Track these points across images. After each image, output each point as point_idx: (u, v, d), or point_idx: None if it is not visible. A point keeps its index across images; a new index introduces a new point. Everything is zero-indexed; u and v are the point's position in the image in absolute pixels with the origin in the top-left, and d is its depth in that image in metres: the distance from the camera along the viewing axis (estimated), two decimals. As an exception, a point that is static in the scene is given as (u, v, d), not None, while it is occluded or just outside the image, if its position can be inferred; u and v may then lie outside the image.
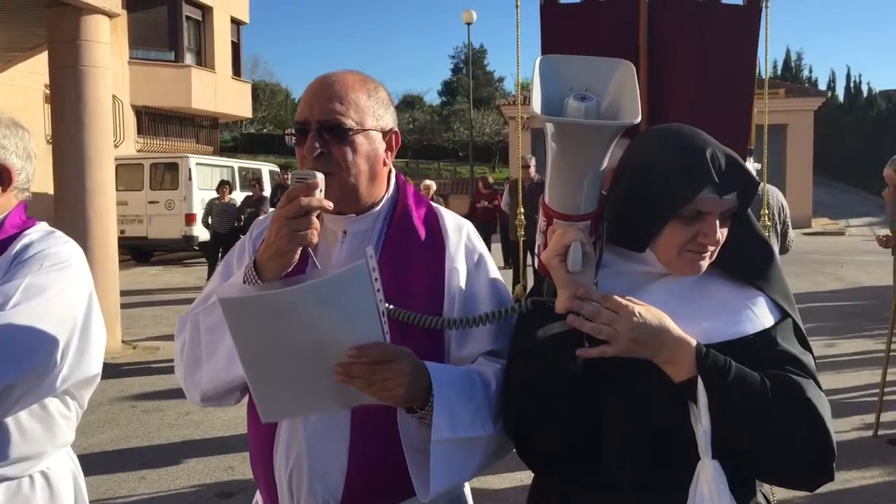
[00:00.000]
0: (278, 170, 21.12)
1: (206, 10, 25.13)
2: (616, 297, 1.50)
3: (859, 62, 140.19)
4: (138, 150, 21.48)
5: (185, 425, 6.39)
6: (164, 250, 19.61)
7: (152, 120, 23.58)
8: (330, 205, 1.61)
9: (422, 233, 1.83)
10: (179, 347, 1.83)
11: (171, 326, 11.42)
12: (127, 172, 18.24)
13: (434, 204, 1.94)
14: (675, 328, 1.50)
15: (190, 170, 18.25)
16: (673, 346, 1.49)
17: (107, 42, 9.15)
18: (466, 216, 18.23)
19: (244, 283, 1.66)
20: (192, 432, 6.21)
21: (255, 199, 14.93)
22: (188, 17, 24.40)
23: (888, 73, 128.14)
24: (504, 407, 1.65)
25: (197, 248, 18.44)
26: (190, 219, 18.03)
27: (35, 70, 14.42)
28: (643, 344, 1.48)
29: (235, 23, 27.07)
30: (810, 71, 54.44)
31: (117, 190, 17.72)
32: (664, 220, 1.56)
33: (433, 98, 72.34)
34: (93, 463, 5.49)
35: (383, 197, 1.85)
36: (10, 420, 1.86)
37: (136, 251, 18.97)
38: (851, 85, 45.52)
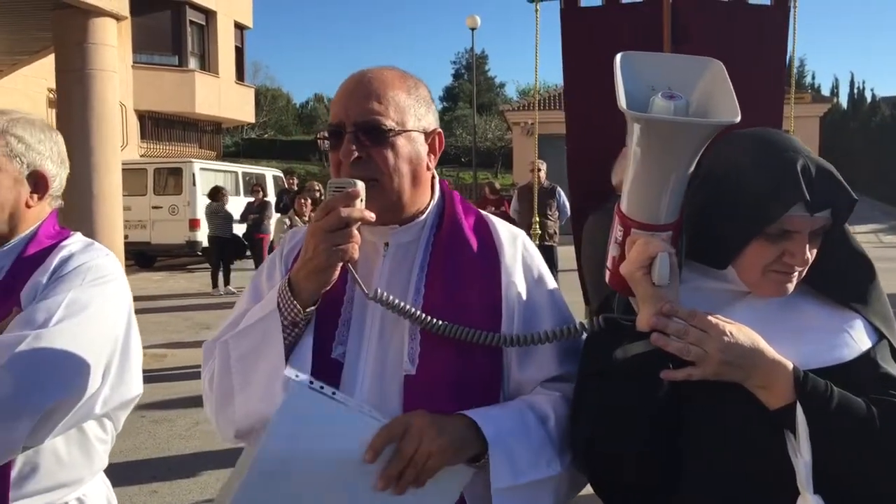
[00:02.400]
0: (282, 175, 21.00)
1: (210, 15, 25.05)
2: (705, 315, 1.37)
3: (863, 68, 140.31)
4: (141, 155, 21.35)
5: (197, 436, 6.25)
6: (167, 256, 19.48)
7: (156, 124, 23.51)
8: (372, 216, 1.49)
9: (473, 243, 1.68)
10: (208, 379, 1.66)
11: (178, 333, 11.34)
12: (131, 177, 18.02)
13: (483, 212, 1.80)
14: (770, 350, 1.37)
15: (194, 175, 18.13)
16: (768, 370, 1.36)
17: (114, 45, 9.01)
18: None
19: (279, 306, 1.53)
20: (204, 444, 6.07)
21: (257, 204, 14.79)
22: (192, 22, 24.33)
23: (891, 79, 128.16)
24: (573, 435, 1.52)
25: (200, 253, 18.31)
26: (194, 224, 17.89)
27: (39, 74, 14.29)
28: (735, 366, 1.35)
29: (239, 27, 27.00)
30: (813, 77, 54.16)
31: (122, 195, 17.78)
32: (747, 238, 1.43)
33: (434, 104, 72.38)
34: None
35: (428, 205, 1.70)
36: (46, 445, 1.76)
37: (139, 256, 18.82)
38: (855, 91, 45.39)
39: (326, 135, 1.60)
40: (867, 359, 1.43)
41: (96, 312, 1.79)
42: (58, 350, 1.70)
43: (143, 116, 22.23)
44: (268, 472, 1.44)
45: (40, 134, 1.91)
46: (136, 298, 9.25)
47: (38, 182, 1.90)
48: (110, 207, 8.82)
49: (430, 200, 1.71)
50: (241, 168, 21.20)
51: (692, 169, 1.40)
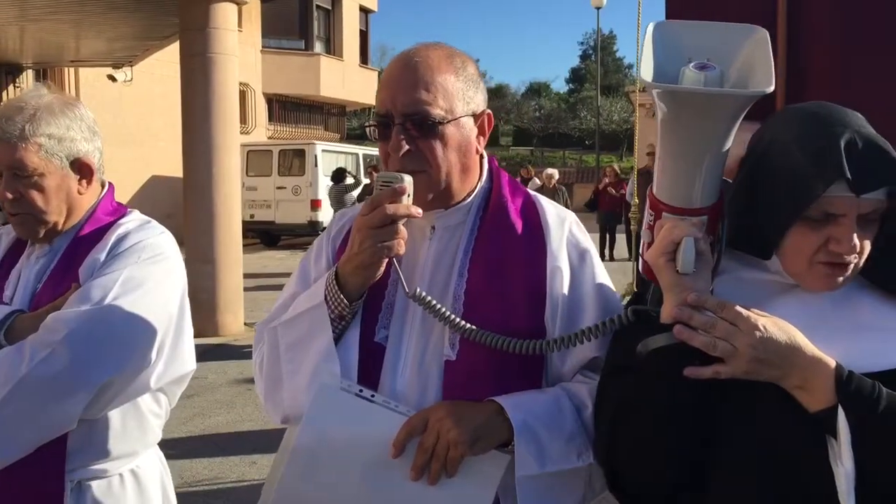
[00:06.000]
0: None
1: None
2: (735, 307, 1.25)
3: None
4: (269, 137, 22.10)
5: (298, 410, 6.41)
6: (290, 235, 20.08)
7: (282, 107, 24.25)
8: (419, 212, 1.47)
9: (519, 226, 1.62)
10: (258, 362, 1.69)
11: (293, 310, 11.58)
12: (257, 159, 18.80)
13: (533, 193, 1.73)
14: (810, 346, 1.24)
15: (316, 156, 18.58)
16: (806, 368, 1.23)
17: (234, 29, 9.31)
18: (589, 203, 17.40)
19: (325, 299, 1.53)
20: (304, 418, 6.22)
21: (372, 186, 15.00)
22: (318, 6, 24.91)
23: None
24: (595, 432, 1.45)
25: (321, 233, 18.77)
26: (315, 204, 18.36)
27: (174, 59, 14.94)
28: (768, 364, 1.23)
29: (364, 11, 27.47)
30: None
31: (248, 176, 18.45)
32: (787, 222, 1.29)
33: (560, 85, 71.62)
34: (207, 444, 5.58)
35: (476, 186, 1.65)
36: (101, 418, 1.82)
37: (264, 235, 19.50)
38: None
39: (374, 123, 1.57)
40: None
41: (151, 290, 1.83)
42: (113, 327, 1.75)
43: (270, 100, 23.01)
44: (303, 470, 1.51)
45: (63, 119, 1.87)
46: (257, 276, 9.55)
47: (81, 168, 1.90)
48: (229, 187, 9.12)
49: (478, 182, 1.66)
50: (362, 150, 21.58)
51: (727, 146, 1.28)
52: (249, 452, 5.51)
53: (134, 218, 1.97)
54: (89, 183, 1.93)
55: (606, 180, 15.67)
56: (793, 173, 1.27)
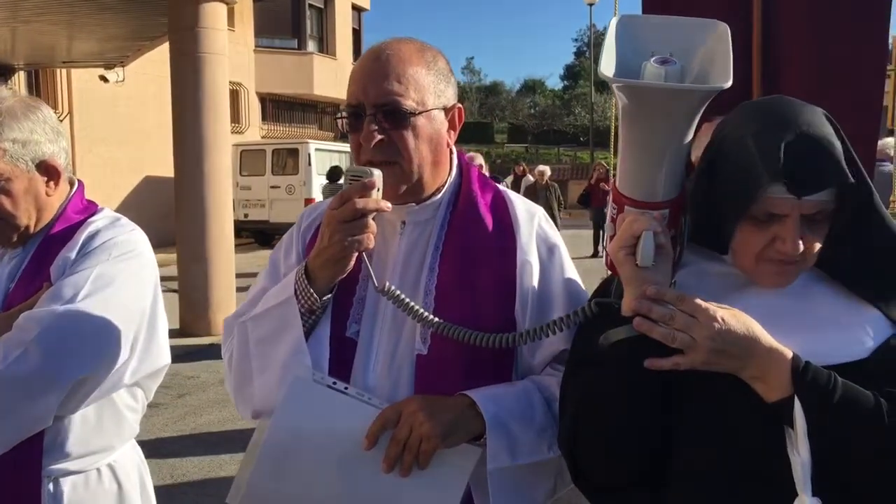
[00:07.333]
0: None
1: (329, -2, 25.57)
2: (694, 299, 1.27)
3: None
4: (262, 137, 22.06)
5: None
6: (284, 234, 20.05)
7: (276, 107, 24.20)
8: (388, 206, 1.48)
9: (488, 221, 1.64)
10: (227, 357, 1.70)
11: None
12: (251, 158, 18.78)
13: (503, 188, 1.75)
14: (767, 337, 1.26)
15: (309, 155, 18.55)
16: (763, 359, 1.25)
17: (224, 29, 9.30)
18: (581, 199, 17.33)
19: (296, 293, 1.54)
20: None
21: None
22: (311, 5, 24.90)
23: None
24: (559, 425, 1.46)
25: (315, 233, 18.74)
26: (309, 203, 18.34)
27: (166, 59, 14.89)
28: (726, 355, 1.24)
29: (356, 10, 27.44)
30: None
31: (242, 175, 18.39)
32: (733, 221, 1.31)
33: (555, 82, 71.68)
34: (199, 443, 5.59)
35: (446, 181, 1.66)
36: (77, 414, 1.82)
37: (258, 235, 19.49)
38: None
39: (345, 115, 1.57)
40: (883, 350, 1.29)
41: (123, 286, 1.83)
42: (85, 324, 1.75)
43: (263, 99, 22.96)
44: (274, 462, 1.51)
45: (26, 122, 1.85)
46: (251, 275, 9.51)
47: (48, 170, 1.89)
48: (220, 185, 9.11)
49: (448, 177, 1.67)
50: (355, 148, 21.54)
51: (687, 140, 1.29)
52: (241, 451, 5.44)
53: (104, 215, 1.97)
54: (57, 184, 1.92)
55: (604, 184, 15.65)
56: (739, 171, 1.28)
